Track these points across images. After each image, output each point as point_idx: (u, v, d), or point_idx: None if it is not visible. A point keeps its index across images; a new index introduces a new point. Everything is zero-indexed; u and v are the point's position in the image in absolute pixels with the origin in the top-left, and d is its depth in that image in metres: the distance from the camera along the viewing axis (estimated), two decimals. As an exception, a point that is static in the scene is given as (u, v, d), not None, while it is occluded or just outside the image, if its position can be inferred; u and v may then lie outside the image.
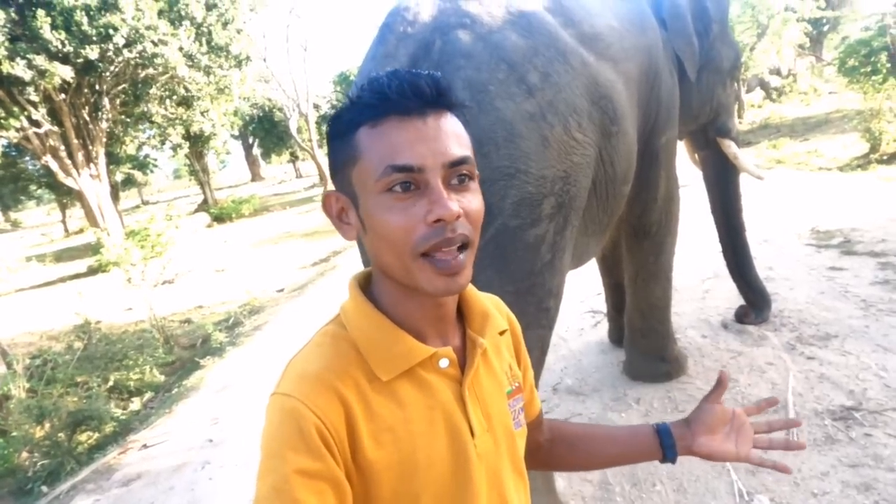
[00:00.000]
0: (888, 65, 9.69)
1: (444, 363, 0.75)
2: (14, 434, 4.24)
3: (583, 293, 4.58)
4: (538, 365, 2.10)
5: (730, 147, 3.31)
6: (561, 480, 2.45)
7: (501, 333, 0.87)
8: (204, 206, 22.09)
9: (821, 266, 4.34)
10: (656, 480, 2.37)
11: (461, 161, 0.69)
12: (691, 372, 3.16)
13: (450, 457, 0.73)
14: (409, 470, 0.70)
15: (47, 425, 4.29)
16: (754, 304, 3.59)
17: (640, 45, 2.40)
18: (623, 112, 2.16)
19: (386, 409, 0.70)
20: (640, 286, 3.03)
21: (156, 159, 25.39)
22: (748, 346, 3.34)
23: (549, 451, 1.01)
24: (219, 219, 19.70)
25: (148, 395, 5.22)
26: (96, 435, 4.37)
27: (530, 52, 1.88)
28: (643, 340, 3.14)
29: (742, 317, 3.62)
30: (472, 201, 0.70)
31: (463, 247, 0.69)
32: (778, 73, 21.77)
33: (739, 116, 19.70)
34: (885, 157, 9.05)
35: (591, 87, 2.01)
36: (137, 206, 32.82)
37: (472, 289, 0.84)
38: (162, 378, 5.56)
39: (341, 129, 0.72)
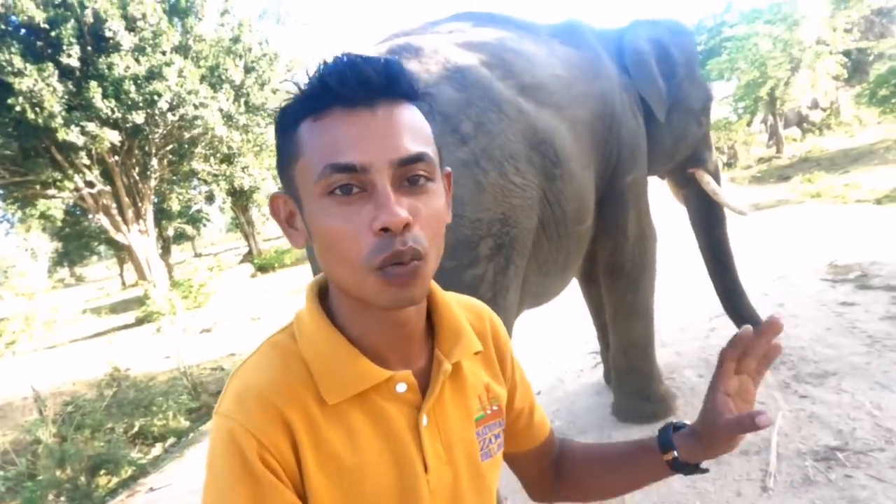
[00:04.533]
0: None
1: (401, 388, 0.68)
2: (41, 478, 4.47)
3: (586, 334, 4.54)
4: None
5: (709, 184, 3.32)
6: None
7: (476, 354, 0.78)
8: (249, 257, 22.94)
9: (832, 301, 4.19)
10: (624, 523, 2.32)
11: (415, 159, 0.60)
12: (679, 412, 3.08)
13: (398, 493, 0.67)
14: None
15: (69, 469, 4.50)
16: (752, 341, 3.49)
17: (591, 91, 2.49)
18: (567, 155, 2.24)
19: (334, 436, 0.64)
20: (619, 325, 3.03)
21: (207, 213, 26.76)
22: (742, 386, 3.24)
23: (556, 482, 0.90)
24: (262, 269, 20.38)
25: (171, 441, 5.41)
26: (115, 479, 4.55)
27: (464, 104, 2.00)
28: (627, 380, 3.11)
29: (740, 355, 3.52)
30: (428, 205, 0.62)
31: (419, 258, 0.61)
32: (817, 106, 21.33)
33: (778, 152, 19.29)
34: (925, 187, 8.70)
35: (528, 134, 2.10)
36: (193, 257, 34.39)
37: (447, 302, 0.76)
38: (186, 424, 5.75)
39: (285, 123, 0.64)
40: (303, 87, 0.62)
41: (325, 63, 0.61)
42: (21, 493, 4.38)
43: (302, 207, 0.64)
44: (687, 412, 3.09)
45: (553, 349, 4.58)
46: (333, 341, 0.67)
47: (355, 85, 0.59)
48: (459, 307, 0.79)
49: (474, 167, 1.95)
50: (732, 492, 2.36)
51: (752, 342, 0.71)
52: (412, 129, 0.62)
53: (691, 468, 0.78)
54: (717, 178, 3.40)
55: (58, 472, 4.50)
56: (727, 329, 4.14)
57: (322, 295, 0.72)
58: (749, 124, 21.09)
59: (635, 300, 2.96)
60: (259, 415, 0.61)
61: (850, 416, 2.70)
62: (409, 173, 0.61)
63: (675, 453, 0.77)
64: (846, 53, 17.98)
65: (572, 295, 3.37)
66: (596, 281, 3.13)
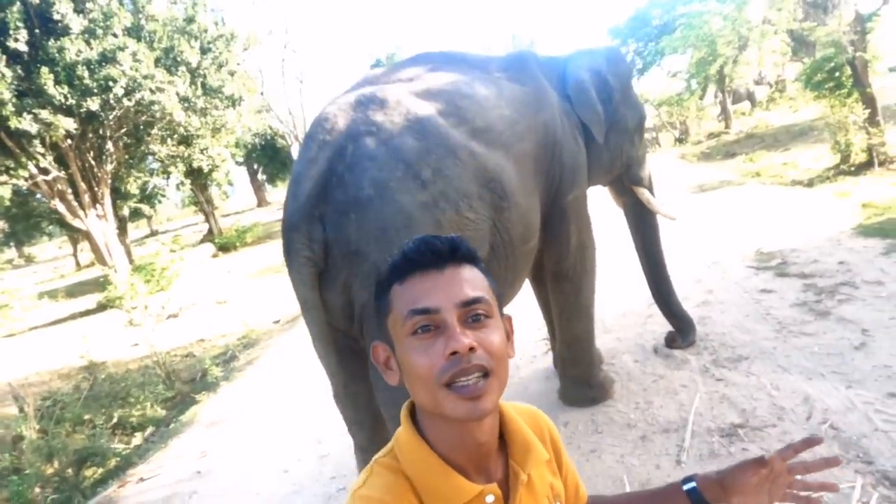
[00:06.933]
0: (852, 79, 10.04)
1: (489, 499, 0.81)
2: (27, 472, 4.69)
3: (538, 323, 4.97)
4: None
5: (643, 194, 3.74)
6: None
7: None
8: (209, 236, 22.70)
9: (753, 289, 4.73)
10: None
11: (474, 301, 0.79)
12: (616, 396, 3.55)
13: None
14: None
15: (56, 463, 4.74)
16: (680, 329, 3.99)
17: (534, 125, 2.84)
18: (513, 189, 2.60)
19: None
20: (564, 323, 3.44)
21: (163, 190, 26.14)
22: (670, 370, 3.73)
23: None
24: (224, 248, 20.25)
25: (150, 430, 5.66)
26: (101, 470, 4.81)
27: (423, 152, 2.33)
28: (571, 370, 3.55)
29: (670, 342, 4.02)
30: (490, 335, 0.79)
31: (484, 375, 0.77)
32: (763, 81, 22.20)
33: (727, 128, 20.13)
34: (852, 168, 9.41)
35: (479, 174, 2.45)
36: (148, 236, 33.58)
37: (512, 417, 0.91)
38: (163, 413, 6.00)
39: (381, 289, 0.84)
40: (392, 262, 0.84)
41: (405, 244, 0.84)
42: (8, 488, 4.59)
43: (394, 350, 0.83)
44: (622, 395, 3.56)
45: (509, 336, 5.00)
46: (429, 461, 0.82)
47: (428, 254, 0.81)
48: (520, 415, 0.95)
49: (434, 208, 2.29)
50: (653, 465, 2.83)
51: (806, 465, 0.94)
52: (471, 281, 0.82)
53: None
54: (651, 189, 3.82)
55: (45, 466, 4.73)
56: (663, 316, 4.64)
57: (414, 418, 0.87)
58: (702, 98, 21.80)
59: (578, 302, 3.38)
60: None
61: (752, 396, 3.20)
62: (471, 312, 0.79)
63: (694, 483, 0.97)
64: (790, 32, 18.72)
65: (525, 290, 3.77)
66: (545, 282, 3.53)
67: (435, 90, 2.59)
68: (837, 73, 10.33)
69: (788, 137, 15.45)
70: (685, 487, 0.97)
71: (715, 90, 21.96)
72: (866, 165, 9.34)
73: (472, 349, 0.75)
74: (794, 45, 19.82)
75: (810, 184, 9.22)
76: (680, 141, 20.92)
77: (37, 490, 4.56)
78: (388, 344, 0.85)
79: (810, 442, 0.94)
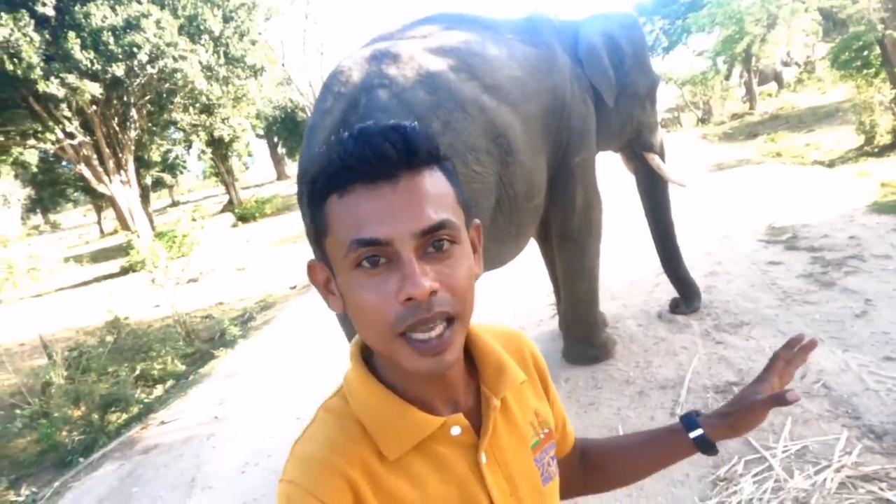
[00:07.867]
0: (881, 58, 9.83)
1: (455, 431, 0.71)
2: (55, 415, 4.96)
3: (545, 288, 5.07)
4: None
5: (654, 159, 3.79)
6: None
7: (521, 384, 0.80)
8: (229, 206, 23.05)
9: (762, 261, 4.76)
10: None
11: (436, 227, 0.62)
12: (618, 356, 3.66)
13: None
14: None
15: (83, 407, 5.00)
16: (685, 296, 4.06)
17: (543, 87, 2.91)
18: (520, 145, 2.68)
19: (400, 489, 0.66)
20: (568, 283, 3.54)
21: (185, 161, 26.55)
22: (672, 334, 3.82)
23: (585, 477, 0.96)
24: (243, 218, 20.59)
25: (170, 383, 5.92)
26: (124, 415, 5.07)
27: (434, 105, 2.42)
28: (574, 329, 3.66)
29: (674, 307, 4.10)
30: (455, 269, 0.63)
31: (448, 322, 0.63)
32: (791, 62, 21.68)
33: (751, 108, 19.76)
34: (876, 150, 9.25)
35: (487, 129, 2.54)
36: (170, 206, 34.13)
37: (484, 338, 0.78)
38: (183, 367, 6.25)
39: (314, 197, 0.66)
40: (326, 162, 0.64)
41: (345, 137, 0.64)
42: (37, 430, 4.87)
43: (336, 276, 0.67)
44: (622, 355, 3.66)
45: (516, 301, 5.12)
46: (383, 398, 0.69)
47: (375, 162, 0.60)
48: (496, 339, 0.81)
49: (442, 159, 2.39)
50: (648, 417, 2.94)
51: (796, 354, 0.83)
52: (433, 198, 0.63)
53: (710, 446, 0.84)
54: (662, 156, 3.86)
55: (71, 410, 5.00)
56: (669, 285, 4.70)
57: (365, 353, 0.75)
58: (727, 78, 21.40)
59: (582, 263, 3.47)
60: (323, 478, 0.63)
61: (751, 358, 3.28)
62: (432, 240, 0.62)
63: (701, 430, 0.84)
64: (821, 10, 18.22)
65: (533, 254, 3.88)
66: (552, 243, 3.62)
67: (447, 47, 2.67)
68: (866, 52, 10.11)
69: (814, 119, 15.13)
70: (692, 436, 0.85)
71: (740, 70, 21.53)
72: (890, 147, 9.15)
73: (433, 292, 0.61)
74: (826, 24, 19.37)
75: (831, 164, 9.08)
76: (703, 121, 20.61)
77: (64, 433, 4.84)
78: (328, 265, 0.69)
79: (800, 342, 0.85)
